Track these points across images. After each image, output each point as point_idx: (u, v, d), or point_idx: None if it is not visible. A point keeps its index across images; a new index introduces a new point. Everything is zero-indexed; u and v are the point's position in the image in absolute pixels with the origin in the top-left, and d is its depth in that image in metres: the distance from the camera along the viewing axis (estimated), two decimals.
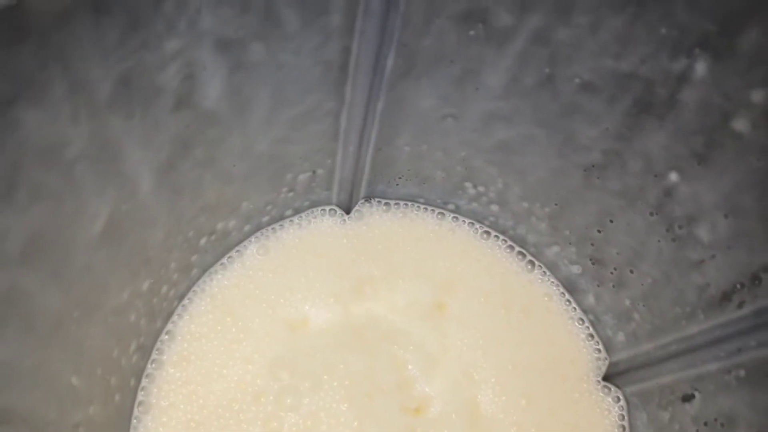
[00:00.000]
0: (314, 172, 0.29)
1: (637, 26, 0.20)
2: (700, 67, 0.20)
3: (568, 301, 0.32)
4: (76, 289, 0.20)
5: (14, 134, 0.15)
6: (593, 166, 0.25)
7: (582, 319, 0.31)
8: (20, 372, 0.18)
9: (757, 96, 0.20)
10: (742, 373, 0.24)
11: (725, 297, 0.24)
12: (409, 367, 0.29)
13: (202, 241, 0.28)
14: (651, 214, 0.25)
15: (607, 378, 0.30)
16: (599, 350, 0.31)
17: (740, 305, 0.23)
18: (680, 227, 0.24)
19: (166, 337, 0.29)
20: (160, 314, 0.28)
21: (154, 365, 0.28)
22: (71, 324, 0.20)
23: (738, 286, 0.23)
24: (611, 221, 0.27)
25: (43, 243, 0.17)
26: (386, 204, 0.33)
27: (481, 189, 0.30)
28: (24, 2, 0.13)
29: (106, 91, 0.17)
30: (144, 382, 0.28)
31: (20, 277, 0.17)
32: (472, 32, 0.22)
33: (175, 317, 0.29)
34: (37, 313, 0.18)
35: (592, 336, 0.31)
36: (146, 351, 0.27)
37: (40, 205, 0.16)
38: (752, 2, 0.18)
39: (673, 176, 0.23)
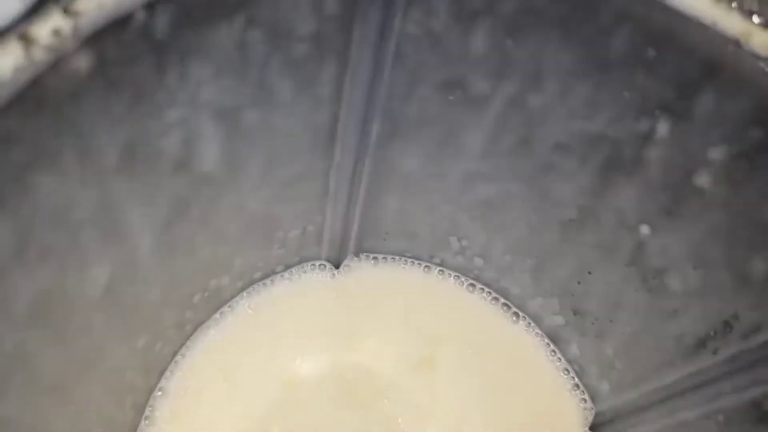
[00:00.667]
0: (305, 229, 0.30)
1: (602, 91, 0.22)
2: (662, 128, 0.22)
3: (553, 351, 0.32)
4: (75, 348, 0.21)
5: (28, 198, 0.16)
6: (570, 220, 0.27)
7: (567, 369, 0.32)
8: (21, 429, 0.18)
9: (714, 154, 0.21)
10: (720, 418, 0.24)
11: (700, 344, 0.25)
12: (399, 420, 0.30)
13: (196, 297, 0.29)
14: (626, 265, 0.26)
15: (594, 428, 0.31)
16: (585, 400, 0.31)
17: (715, 352, 0.24)
18: (653, 278, 0.25)
19: (159, 393, 0.29)
20: (154, 370, 0.28)
21: (147, 422, 0.28)
22: (70, 382, 0.21)
23: (712, 333, 0.24)
24: (590, 273, 0.28)
25: (48, 303, 0.18)
26: (374, 258, 0.34)
27: (465, 243, 0.31)
28: (42, 79, 0.15)
29: (112, 157, 0.18)
30: None
31: (25, 337, 0.18)
32: (451, 97, 0.24)
33: (168, 373, 0.29)
34: (38, 371, 0.19)
35: (577, 386, 0.32)
36: (140, 407, 0.28)
37: (46, 266, 0.17)
38: (705, 71, 0.20)
39: (644, 229, 0.25)
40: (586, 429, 0.30)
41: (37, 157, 0.16)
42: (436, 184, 0.28)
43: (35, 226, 0.16)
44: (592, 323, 0.30)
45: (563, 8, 0.19)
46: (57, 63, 0.15)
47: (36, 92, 0.15)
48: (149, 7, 0.16)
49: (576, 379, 0.32)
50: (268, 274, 0.32)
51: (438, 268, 0.33)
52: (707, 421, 0.25)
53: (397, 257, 0.34)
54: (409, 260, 0.34)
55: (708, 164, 0.21)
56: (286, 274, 0.33)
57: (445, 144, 0.26)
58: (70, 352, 0.20)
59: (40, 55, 0.14)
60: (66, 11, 0.15)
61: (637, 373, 0.28)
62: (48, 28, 0.15)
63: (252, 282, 0.32)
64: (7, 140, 0.14)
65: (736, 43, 0.18)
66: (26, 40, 0.14)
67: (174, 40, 0.17)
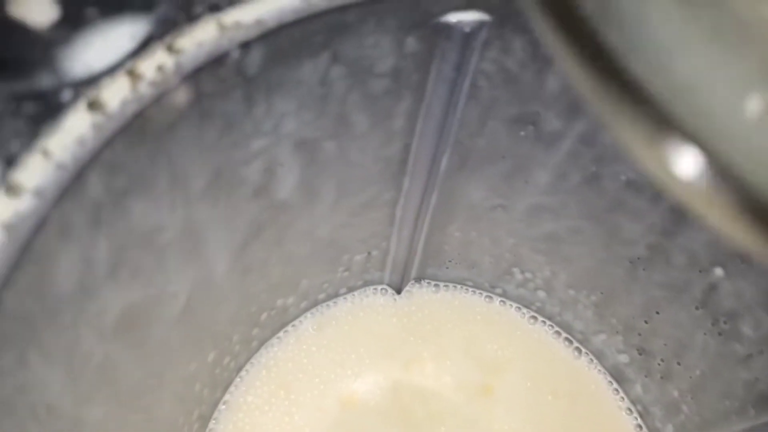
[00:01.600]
0: (369, 253, 0.31)
1: None
2: None
3: (616, 390, 0.32)
4: (153, 361, 0.22)
5: (123, 221, 0.17)
6: (638, 258, 0.26)
7: (630, 409, 0.31)
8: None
9: None
10: None
11: None
12: None
13: (263, 316, 0.29)
14: (696, 308, 0.26)
15: None
16: None
17: None
18: (725, 322, 0.25)
19: (224, 407, 0.30)
20: (221, 384, 0.29)
21: None
22: (146, 392, 0.22)
23: None
24: (657, 313, 0.28)
25: (132, 319, 0.19)
26: (435, 285, 0.34)
27: (528, 275, 0.31)
28: (146, 111, 0.16)
29: (200, 183, 0.19)
30: None
31: (111, 349, 0.19)
32: (522, 133, 0.24)
33: (232, 388, 0.30)
34: (120, 381, 0.20)
35: (640, 427, 0.31)
36: (205, 419, 0.29)
37: (134, 285, 0.19)
38: None
39: (717, 272, 0.24)
40: None
41: (134, 184, 0.17)
42: (501, 216, 0.28)
43: (127, 247, 0.18)
44: (659, 364, 0.29)
45: None
46: (160, 97, 0.16)
47: (139, 124, 0.16)
48: (244, 46, 0.17)
49: (639, 419, 0.31)
50: (332, 296, 0.33)
51: (499, 299, 0.33)
52: None
53: (459, 285, 0.34)
54: (470, 289, 0.34)
55: None
56: (349, 297, 0.33)
57: (513, 177, 0.26)
58: (147, 364, 0.21)
59: (145, 89, 0.16)
60: (170, 49, 0.16)
61: (704, 418, 0.28)
62: (153, 64, 0.16)
63: (316, 303, 0.32)
64: (112, 168, 0.16)
65: None
66: (133, 76, 0.16)
67: (263, 75, 0.18)
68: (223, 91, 0.18)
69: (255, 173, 0.21)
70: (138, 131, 0.16)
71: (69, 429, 0.17)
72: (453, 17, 0.19)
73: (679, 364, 0.28)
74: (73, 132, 0.15)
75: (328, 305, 0.33)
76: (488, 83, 0.22)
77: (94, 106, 0.15)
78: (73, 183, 0.14)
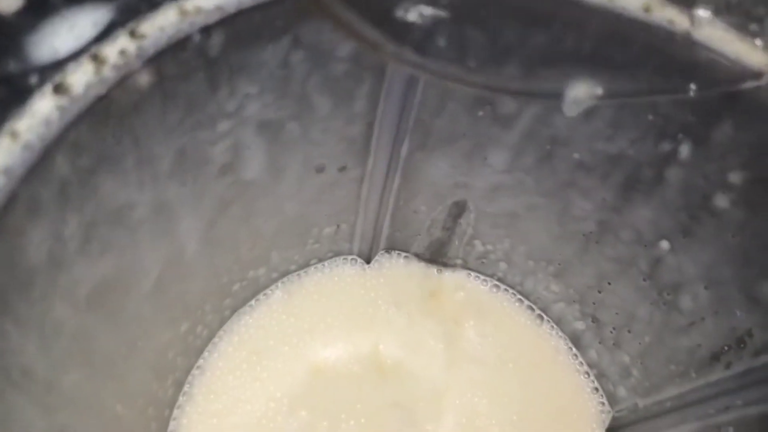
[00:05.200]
0: (338, 226, 0.32)
1: (625, 114, 0.23)
2: (683, 151, 0.23)
3: (575, 355, 0.33)
4: (126, 332, 0.23)
5: (93, 198, 0.18)
6: (591, 233, 0.28)
7: (588, 373, 0.33)
8: (80, 399, 0.21)
9: (733, 178, 0.22)
10: (730, 430, 0.25)
11: (714, 357, 0.26)
12: (418, 408, 0.31)
13: (235, 287, 0.31)
14: (644, 280, 0.27)
15: (609, 430, 0.32)
16: (603, 403, 0.32)
17: (728, 366, 0.25)
18: (668, 294, 0.26)
19: (197, 371, 0.31)
20: (194, 352, 0.30)
21: (185, 397, 0.31)
22: (120, 360, 0.23)
23: (725, 348, 0.25)
24: (609, 284, 0.29)
25: (105, 291, 0.20)
26: (405, 257, 0.35)
27: (489, 247, 0.33)
28: (110, 93, 0.17)
29: (167, 162, 0.20)
30: (175, 412, 0.30)
31: (85, 320, 0.20)
32: (480, 113, 0.25)
33: (205, 353, 0.32)
34: (94, 350, 0.21)
35: (597, 389, 0.33)
36: (180, 384, 0.30)
37: (107, 259, 0.20)
38: (723, 102, 0.20)
39: (661, 247, 0.26)
40: (603, 431, 0.32)
41: (101, 163, 0.18)
42: (463, 193, 0.30)
43: (98, 223, 0.19)
44: (611, 331, 0.31)
45: (591, 45, 0.20)
46: (123, 79, 0.17)
47: (103, 105, 0.17)
48: (205, 30, 0.18)
49: (595, 382, 0.33)
50: (303, 266, 0.34)
51: (464, 270, 0.35)
52: None
53: (425, 256, 0.35)
54: (437, 260, 0.35)
55: (726, 187, 0.22)
56: (320, 267, 0.34)
57: (473, 156, 0.27)
58: (121, 335, 0.23)
59: (108, 72, 0.16)
60: (132, 34, 0.17)
61: (652, 382, 0.29)
62: (116, 49, 0.17)
63: (287, 273, 0.34)
64: (78, 148, 0.17)
65: (757, 76, 0.19)
66: (97, 60, 0.16)
67: (225, 58, 0.19)
68: (185, 74, 0.18)
69: (220, 153, 0.22)
70: (102, 113, 0.17)
71: (44, 393, 0.18)
72: (411, 14, 0.20)
73: (629, 332, 0.30)
74: (39, 114, 0.15)
75: (298, 275, 0.34)
76: (447, 68, 0.23)
77: (59, 89, 0.16)
78: (40, 162, 0.15)
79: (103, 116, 0.17)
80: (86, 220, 0.18)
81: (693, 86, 0.20)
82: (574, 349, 0.33)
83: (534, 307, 0.34)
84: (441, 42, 0.21)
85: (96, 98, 0.16)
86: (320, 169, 0.27)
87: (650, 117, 0.23)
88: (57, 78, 0.16)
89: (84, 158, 0.17)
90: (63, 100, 0.16)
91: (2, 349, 0.17)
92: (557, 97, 0.23)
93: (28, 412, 0.18)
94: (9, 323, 0.16)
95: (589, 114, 0.23)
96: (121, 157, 0.18)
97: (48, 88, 0.16)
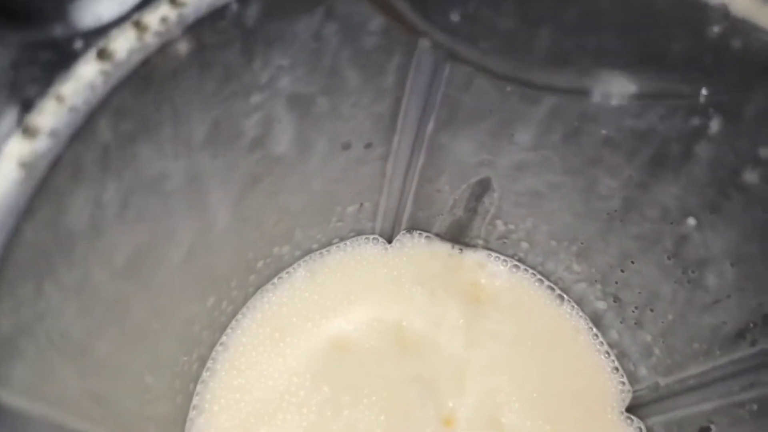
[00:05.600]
0: (361, 205, 0.32)
1: (657, 88, 0.23)
2: (714, 126, 0.23)
3: (596, 335, 0.33)
4: (157, 302, 0.23)
5: (131, 165, 0.18)
6: (615, 211, 0.28)
7: (608, 353, 0.33)
8: (112, 366, 0.21)
9: (764, 152, 0.22)
10: (755, 407, 0.25)
11: (739, 335, 0.26)
12: (441, 383, 0.32)
13: (259, 264, 0.31)
14: (668, 258, 0.27)
15: (629, 409, 0.32)
16: (623, 383, 0.32)
17: (753, 343, 0.25)
18: (693, 271, 0.26)
19: (221, 347, 0.32)
20: (219, 327, 0.31)
21: (208, 372, 0.31)
22: (151, 331, 0.23)
23: (751, 325, 0.25)
24: (632, 262, 0.29)
25: (140, 259, 0.21)
26: (428, 237, 0.35)
27: (511, 227, 0.33)
28: (151, 60, 0.17)
29: (201, 133, 0.20)
30: (199, 387, 0.31)
31: (120, 287, 0.20)
32: (508, 88, 0.25)
33: (229, 330, 0.32)
34: (128, 317, 0.21)
35: (617, 369, 0.33)
36: (204, 359, 0.30)
37: (142, 227, 0.20)
38: (757, 74, 0.20)
39: (687, 224, 0.26)
40: (622, 410, 0.32)
41: (140, 129, 0.18)
42: (488, 172, 0.30)
43: (135, 190, 0.19)
44: (633, 311, 0.31)
45: (624, 15, 0.20)
46: (163, 46, 0.17)
47: (145, 71, 0.17)
48: (243, 0, 0.18)
49: (616, 362, 0.33)
50: (325, 244, 0.34)
51: (485, 251, 0.35)
52: (740, 410, 0.26)
53: (447, 236, 0.35)
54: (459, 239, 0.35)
55: (756, 162, 0.22)
56: (342, 245, 0.35)
57: (499, 133, 0.27)
58: (153, 304, 0.23)
59: (150, 39, 0.17)
60: (173, 2, 0.17)
61: (674, 360, 0.29)
62: (157, 16, 0.17)
63: (310, 251, 0.34)
64: (119, 113, 0.17)
65: None
66: (139, 27, 0.17)
67: (260, 29, 0.19)
68: (222, 43, 0.19)
69: (252, 126, 0.22)
70: (144, 79, 0.17)
71: (79, 356, 0.19)
72: None
73: (651, 310, 0.30)
74: (84, 78, 0.16)
75: (321, 253, 0.34)
76: (478, 40, 0.23)
77: (103, 54, 0.16)
78: (84, 126, 0.15)
79: (145, 82, 0.17)
80: (124, 187, 0.18)
81: (724, 58, 0.20)
82: (594, 329, 0.34)
83: (554, 287, 0.34)
84: (471, 25, 0.21)
85: (138, 64, 0.17)
86: (346, 146, 0.27)
87: (682, 91, 0.22)
88: (101, 43, 0.16)
89: (125, 124, 0.17)
90: (106, 65, 0.16)
91: (43, 310, 0.17)
92: (585, 93, 0.23)
93: (64, 373, 0.18)
94: (51, 285, 0.17)
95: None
96: (160, 124, 0.18)
97: (92, 54, 0.16)
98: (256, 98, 0.22)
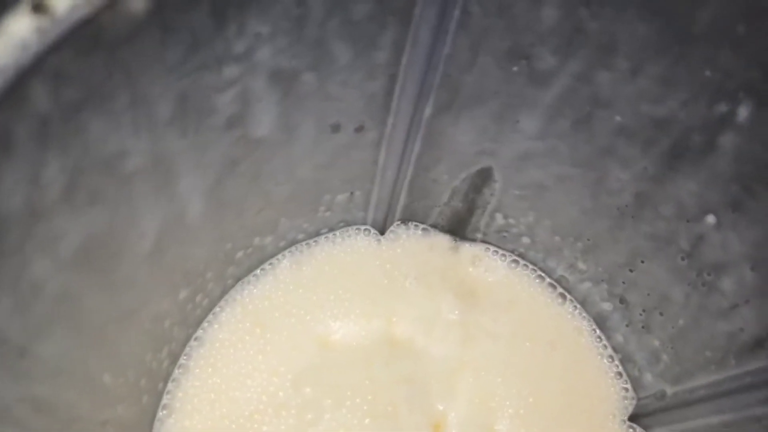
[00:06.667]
0: (352, 194, 0.30)
1: (679, 69, 0.20)
2: (743, 113, 0.20)
3: (599, 337, 0.31)
4: (118, 297, 0.21)
5: (78, 139, 0.16)
6: (626, 206, 0.26)
7: (612, 357, 0.31)
8: (61, 367, 0.19)
9: None
10: None
11: (758, 344, 0.24)
12: (431, 385, 0.29)
13: (239, 254, 0.29)
14: (682, 258, 0.25)
15: (633, 418, 0.30)
16: (627, 389, 0.30)
17: None
18: (709, 274, 0.24)
19: (195, 343, 0.29)
20: (193, 322, 0.28)
21: (181, 370, 0.29)
22: (111, 327, 0.21)
23: None
24: (643, 262, 0.27)
25: (94, 250, 0.18)
26: (423, 229, 0.33)
27: (511, 221, 0.31)
28: (98, 17, 0.14)
29: (166, 107, 0.18)
30: (170, 386, 0.28)
31: (71, 279, 0.18)
32: (515, 68, 0.23)
33: (205, 324, 0.30)
34: (82, 314, 0.19)
35: (620, 374, 0.31)
36: (176, 356, 0.28)
37: (95, 212, 0.17)
38: None
39: (706, 222, 0.23)
40: (625, 419, 0.30)
41: (88, 98, 0.15)
42: (489, 162, 0.27)
43: (85, 169, 0.16)
44: (640, 314, 0.29)
45: None
46: (113, 2, 0.14)
47: (91, 31, 0.14)
48: None
49: (620, 367, 0.31)
50: (312, 235, 0.32)
51: (483, 245, 0.33)
52: (757, 425, 0.24)
53: (442, 228, 0.33)
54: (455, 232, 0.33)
55: None
56: (330, 236, 0.32)
57: (503, 118, 0.25)
58: (113, 300, 0.21)
59: None
60: None
61: (684, 368, 0.27)
62: None
63: (295, 242, 0.31)
64: (59, 77, 0.14)
65: None
66: None
67: None
68: (187, 3, 0.16)
69: (227, 103, 0.20)
70: (90, 40, 0.14)
71: (16, 359, 0.16)
72: None
73: (661, 314, 0.28)
74: (15, 36, 0.13)
75: (308, 244, 0.32)
76: (481, 10, 0.20)
77: (39, 8, 0.13)
78: (14, 90, 0.13)
79: (91, 44, 0.15)
80: (70, 165, 0.16)
81: (759, 31, 0.18)
82: (598, 331, 0.31)
83: (556, 285, 0.32)
84: None
85: (82, 22, 0.14)
86: (336, 128, 0.25)
87: (707, 73, 0.20)
88: None
89: (68, 91, 0.15)
90: (43, 22, 0.13)
91: None
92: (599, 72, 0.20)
93: None
94: None
95: (636, 71, 0.21)
96: (113, 94, 0.16)
97: (25, 7, 0.13)
98: (230, 71, 0.19)
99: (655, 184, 0.24)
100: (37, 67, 0.13)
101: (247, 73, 0.20)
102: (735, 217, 0.23)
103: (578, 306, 0.32)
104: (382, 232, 0.33)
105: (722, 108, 0.20)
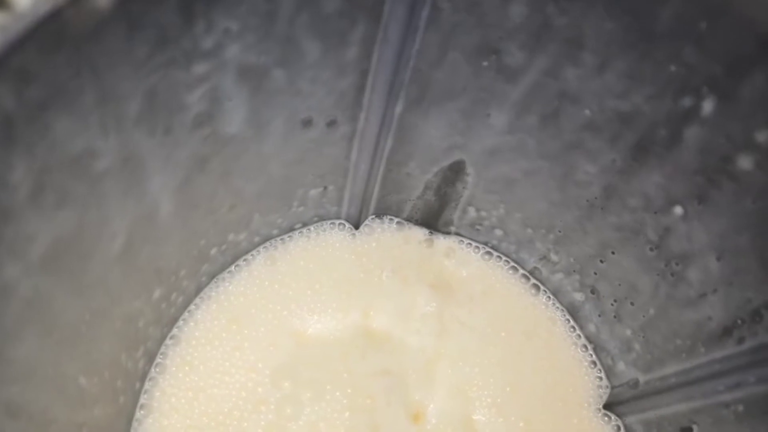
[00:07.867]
0: (325, 188, 0.30)
1: (644, 65, 0.21)
2: (706, 107, 0.21)
3: (573, 327, 0.32)
4: (90, 298, 0.21)
5: (45, 139, 0.16)
6: (596, 198, 0.26)
7: (585, 346, 0.31)
8: (34, 371, 0.18)
9: (760, 137, 0.20)
10: (740, 408, 0.24)
11: (726, 332, 0.24)
12: (409, 379, 0.30)
13: (213, 251, 0.28)
14: (651, 249, 0.25)
15: (607, 406, 0.30)
16: (600, 378, 0.31)
17: (740, 341, 0.24)
18: (677, 264, 0.25)
19: (171, 341, 0.29)
20: (168, 321, 0.28)
21: (157, 369, 0.29)
22: (84, 329, 0.21)
23: (739, 321, 0.24)
24: (613, 253, 0.28)
25: (64, 251, 0.18)
26: (398, 223, 0.33)
27: (483, 213, 0.31)
28: (62, 13, 0.14)
29: (134, 105, 0.18)
30: (147, 385, 0.28)
31: (41, 282, 0.17)
32: (485, 63, 0.23)
33: (180, 322, 0.30)
34: (54, 317, 0.19)
35: (594, 363, 0.31)
36: (152, 355, 0.28)
37: (64, 214, 0.17)
38: (758, 48, 0.18)
39: (673, 214, 0.24)
40: (600, 407, 0.30)
41: (54, 97, 0.15)
42: (459, 156, 0.28)
43: (52, 170, 0.16)
44: (612, 304, 0.29)
45: None
46: None
47: (55, 27, 0.14)
48: None
49: (593, 356, 0.31)
50: (286, 230, 0.32)
51: (457, 238, 0.33)
52: (725, 410, 0.24)
53: (417, 221, 0.33)
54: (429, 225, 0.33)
55: (751, 148, 0.20)
56: (305, 231, 0.32)
57: (473, 113, 0.25)
58: (84, 301, 0.20)
59: None
60: None
61: (655, 356, 0.28)
62: None
63: (270, 237, 0.31)
64: (23, 75, 0.14)
65: None
66: None
67: None
68: None
69: (196, 100, 0.20)
70: (54, 36, 0.14)
71: None
72: None
73: (632, 304, 0.28)
74: None
75: (282, 239, 0.32)
76: (450, 6, 0.21)
77: (0, 4, 0.13)
78: None
79: (56, 40, 0.14)
80: (37, 165, 0.16)
81: (721, 28, 0.18)
82: (571, 321, 0.32)
83: (530, 276, 0.33)
84: None
85: (45, 17, 0.14)
86: (307, 124, 0.25)
87: (672, 68, 0.20)
88: None
89: (33, 89, 0.14)
90: (4, 18, 0.13)
91: None
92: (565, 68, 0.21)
93: None
94: None
95: (602, 66, 0.21)
96: (79, 92, 0.16)
97: None
98: (199, 68, 0.19)
99: (622, 176, 0.25)
100: (0, 65, 0.13)
101: (216, 69, 0.20)
102: (700, 209, 0.23)
103: (551, 297, 0.32)
104: (356, 227, 0.33)
105: (687, 102, 0.21)
